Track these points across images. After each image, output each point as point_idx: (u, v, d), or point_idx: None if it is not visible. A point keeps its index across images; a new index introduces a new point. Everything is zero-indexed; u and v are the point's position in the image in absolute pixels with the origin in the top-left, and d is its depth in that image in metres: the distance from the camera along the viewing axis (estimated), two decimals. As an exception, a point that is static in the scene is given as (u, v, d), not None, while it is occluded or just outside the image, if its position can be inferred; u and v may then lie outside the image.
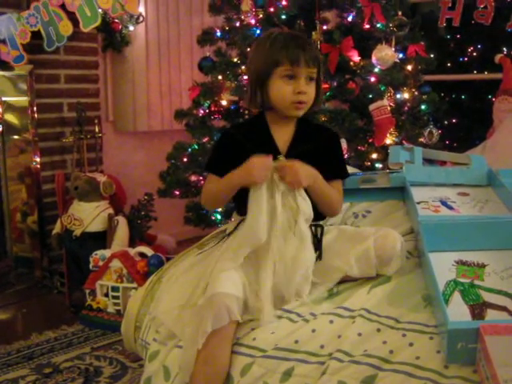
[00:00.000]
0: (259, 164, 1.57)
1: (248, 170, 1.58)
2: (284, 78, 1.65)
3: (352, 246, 1.64)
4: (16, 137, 3.52)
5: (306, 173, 1.60)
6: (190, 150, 3.37)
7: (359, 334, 1.42)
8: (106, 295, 2.95)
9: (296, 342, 1.45)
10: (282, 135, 1.73)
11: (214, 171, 1.75)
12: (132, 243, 3.28)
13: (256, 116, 1.82)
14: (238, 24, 3.27)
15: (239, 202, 1.70)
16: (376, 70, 3.08)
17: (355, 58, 3.09)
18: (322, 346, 1.43)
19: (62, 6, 3.19)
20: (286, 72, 1.65)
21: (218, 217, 3.25)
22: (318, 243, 1.68)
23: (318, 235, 1.71)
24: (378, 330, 1.42)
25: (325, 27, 3.25)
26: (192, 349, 1.48)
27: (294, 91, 1.65)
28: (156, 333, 1.67)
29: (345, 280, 1.64)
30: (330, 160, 1.76)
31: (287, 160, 1.63)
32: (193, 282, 1.68)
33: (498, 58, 3.58)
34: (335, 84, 3.11)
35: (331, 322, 1.48)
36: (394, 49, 3.07)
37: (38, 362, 2.54)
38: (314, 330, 1.47)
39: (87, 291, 2.99)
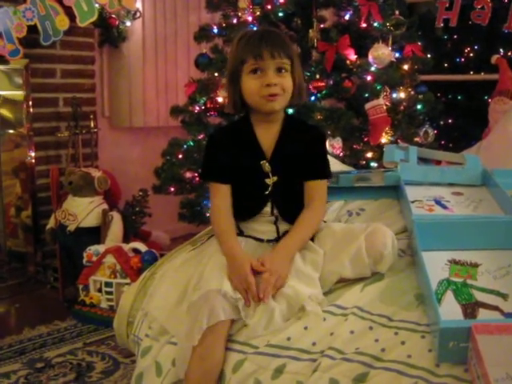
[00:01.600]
0: (236, 277, 1.54)
1: (232, 274, 1.55)
2: (250, 74, 1.64)
3: (344, 247, 1.61)
4: (11, 131, 3.51)
5: (282, 270, 1.55)
6: (185, 146, 3.37)
7: (351, 332, 1.42)
8: (100, 291, 2.94)
9: (288, 339, 1.45)
10: (267, 136, 1.71)
11: (211, 179, 1.73)
12: (126, 239, 3.27)
13: (241, 118, 1.80)
14: (235, 21, 3.27)
15: (235, 207, 1.71)
16: (372, 68, 3.09)
17: (352, 56, 3.10)
18: (313, 344, 1.43)
19: (59, 1, 3.18)
20: (251, 67, 1.63)
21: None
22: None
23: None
24: (371, 328, 1.42)
25: (322, 25, 3.26)
26: (187, 345, 1.48)
27: (262, 85, 1.63)
28: (148, 328, 1.67)
29: (339, 282, 1.62)
30: (314, 160, 1.73)
31: (263, 261, 1.56)
32: (186, 278, 1.68)
33: (494, 58, 3.58)
34: (331, 82, 3.12)
35: (324, 319, 1.48)
36: (390, 48, 3.08)
37: (30, 357, 2.53)
38: (306, 328, 1.47)
39: (80, 286, 2.99)
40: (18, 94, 3.43)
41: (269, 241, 1.71)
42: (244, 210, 1.71)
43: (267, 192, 1.69)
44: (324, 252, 1.63)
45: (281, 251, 1.60)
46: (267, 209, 1.70)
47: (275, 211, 1.70)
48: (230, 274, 1.55)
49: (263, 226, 1.71)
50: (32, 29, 3.20)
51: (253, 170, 1.69)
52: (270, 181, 1.69)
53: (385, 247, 1.57)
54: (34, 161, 3.48)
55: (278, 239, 1.69)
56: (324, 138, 1.82)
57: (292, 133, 1.73)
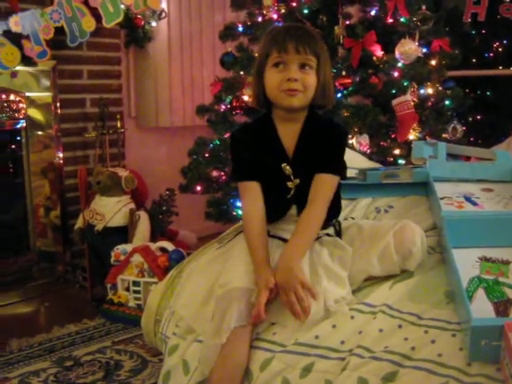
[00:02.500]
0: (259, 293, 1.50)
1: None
2: (274, 67, 1.61)
3: (372, 245, 1.58)
4: (40, 132, 3.55)
5: (295, 280, 1.48)
6: (211, 145, 3.37)
7: (380, 330, 1.40)
8: (127, 290, 2.96)
9: (316, 337, 1.44)
10: (289, 135, 1.68)
11: (240, 178, 1.70)
12: (153, 238, 3.29)
13: (263, 115, 1.76)
14: (260, 19, 3.26)
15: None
16: (399, 64, 3.06)
17: (378, 52, 3.08)
18: (342, 342, 1.41)
19: (85, 2, 3.20)
20: (275, 60, 1.60)
21: (239, 212, 3.24)
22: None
23: (337, 230, 1.70)
24: (400, 327, 1.40)
25: (348, 22, 3.24)
26: (213, 343, 1.48)
27: (283, 79, 1.59)
28: (176, 327, 1.67)
29: (368, 279, 1.60)
30: (328, 154, 1.66)
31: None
32: (213, 276, 1.66)
33: (524, 53, 3.52)
34: (358, 79, 3.10)
35: (352, 317, 1.46)
36: (417, 43, 3.05)
37: (59, 355, 2.55)
38: (334, 326, 1.45)
39: (108, 285, 3.01)
40: (46, 95, 3.47)
41: None
42: (269, 213, 1.67)
43: (289, 196, 1.66)
44: (352, 250, 1.60)
45: (288, 261, 1.53)
46: (292, 211, 1.68)
47: (300, 213, 1.65)
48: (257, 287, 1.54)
49: (290, 225, 1.68)
50: (59, 30, 3.22)
51: (274, 172, 1.66)
52: (291, 184, 1.66)
53: (414, 244, 1.55)
54: (62, 161, 3.52)
55: None
56: (345, 136, 1.78)
57: (314, 131, 1.68)
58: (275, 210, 1.68)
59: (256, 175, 1.67)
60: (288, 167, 1.65)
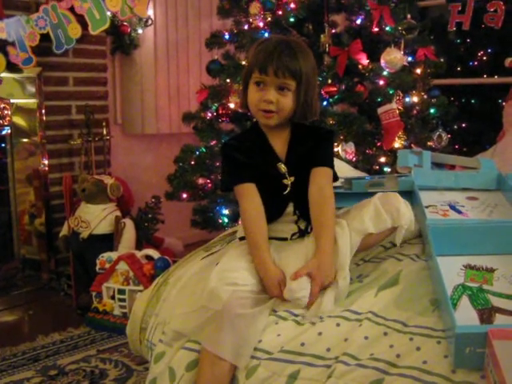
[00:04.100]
0: (271, 291, 1.59)
1: (267, 289, 1.61)
2: (255, 85, 1.68)
3: (361, 209, 1.68)
4: (25, 140, 3.53)
5: (327, 273, 1.57)
6: (197, 152, 3.37)
7: (366, 338, 1.40)
8: (113, 298, 2.94)
9: (302, 344, 1.44)
10: (279, 141, 1.75)
11: (236, 182, 1.72)
12: (139, 246, 3.28)
13: (252, 126, 1.84)
14: (246, 27, 3.28)
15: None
16: (385, 73, 3.08)
17: (364, 61, 3.09)
18: (328, 349, 1.41)
19: (71, 9, 3.20)
20: (256, 79, 1.67)
21: (226, 220, 3.25)
22: None
23: None
24: (385, 334, 1.40)
25: (333, 30, 3.25)
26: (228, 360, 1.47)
27: (261, 98, 1.66)
28: (162, 334, 1.66)
29: (367, 246, 1.69)
30: (318, 149, 1.73)
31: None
32: (202, 284, 1.67)
33: (508, 61, 3.55)
34: (343, 87, 3.11)
35: (338, 324, 1.46)
36: (402, 52, 3.07)
37: (43, 364, 2.53)
38: (320, 333, 1.45)
39: (93, 294, 2.99)
40: (31, 102, 3.46)
41: (293, 236, 1.73)
42: (268, 214, 1.70)
43: (286, 192, 1.71)
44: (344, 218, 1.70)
45: (322, 257, 1.59)
46: (289, 209, 1.72)
47: (297, 211, 1.72)
48: (266, 288, 1.60)
49: (285, 226, 1.73)
50: (45, 37, 3.22)
51: (270, 172, 1.72)
52: (287, 181, 1.71)
53: (399, 203, 1.66)
54: (47, 168, 3.50)
55: (300, 234, 1.72)
56: (331, 135, 1.84)
57: (302, 135, 1.75)
58: (273, 209, 1.72)
59: (252, 177, 1.71)
60: (283, 165, 1.71)
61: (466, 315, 1.36)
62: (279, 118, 1.69)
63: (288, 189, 1.71)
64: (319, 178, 1.69)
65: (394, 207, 1.64)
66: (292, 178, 1.71)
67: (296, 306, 1.54)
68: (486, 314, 1.37)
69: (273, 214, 1.72)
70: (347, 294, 1.58)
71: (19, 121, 3.50)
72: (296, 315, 1.52)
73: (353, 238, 1.63)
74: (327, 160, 1.74)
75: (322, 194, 1.67)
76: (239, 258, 1.65)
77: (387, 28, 3.10)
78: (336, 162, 1.81)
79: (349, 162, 2.85)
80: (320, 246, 1.60)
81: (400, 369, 1.30)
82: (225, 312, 1.46)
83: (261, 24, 3.17)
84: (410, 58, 3.23)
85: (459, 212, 1.86)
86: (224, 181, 1.83)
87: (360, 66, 3.10)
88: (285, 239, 1.73)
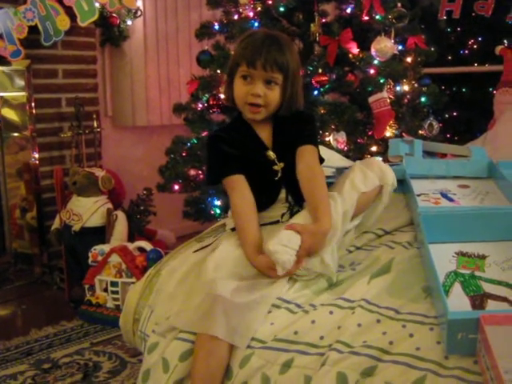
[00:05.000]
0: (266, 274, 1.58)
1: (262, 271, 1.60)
2: (242, 78, 1.69)
3: (347, 175, 1.75)
4: (15, 134, 3.51)
5: (319, 245, 1.58)
6: (189, 144, 3.36)
7: (359, 325, 1.40)
8: (105, 290, 2.94)
9: (295, 333, 1.44)
10: (264, 130, 1.77)
11: (224, 175, 1.72)
12: (131, 238, 3.27)
13: (236, 117, 1.84)
14: (236, 17, 3.26)
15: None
16: (375, 62, 3.07)
17: (354, 50, 3.09)
18: (321, 337, 1.41)
19: (59, 1, 3.18)
20: (243, 73, 1.68)
21: (218, 211, 3.24)
22: None
23: None
24: (378, 321, 1.40)
25: (324, 19, 3.24)
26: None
27: (248, 92, 1.67)
28: (155, 325, 1.66)
29: (360, 208, 1.72)
30: (302, 131, 1.75)
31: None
32: (194, 275, 1.68)
33: (498, 49, 3.56)
34: (334, 76, 3.10)
35: (331, 312, 1.47)
36: (393, 41, 3.06)
37: (37, 358, 2.53)
38: (313, 321, 1.45)
39: (86, 286, 2.98)
40: (21, 95, 3.44)
41: (283, 216, 1.74)
42: (260, 201, 1.71)
43: (277, 178, 1.72)
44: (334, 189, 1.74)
45: (319, 227, 1.58)
46: (282, 195, 1.73)
47: (289, 197, 1.73)
48: (251, 263, 1.60)
49: (278, 211, 1.74)
50: (33, 29, 3.20)
51: (260, 160, 1.73)
52: (277, 167, 1.72)
53: (380, 163, 1.78)
54: (37, 162, 3.48)
55: (291, 214, 1.73)
56: (312, 117, 1.88)
57: (285, 122, 1.76)
58: (266, 196, 1.73)
59: (241, 168, 1.71)
60: (271, 152, 1.73)
61: (458, 302, 1.36)
62: (267, 111, 1.71)
63: (279, 174, 1.72)
64: (306, 156, 1.71)
65: (378, 167, 1.75)
66: (282, 164, 1.72)
67: (282, 268, 1.52)
68: (478, 300, 1.38)
69: (266, 201, 1.73)
70: (340, 282, 1.58)
71: (9, 114, 3.48)
72: (289, 303, 1.52)
73: (347, 200, 1.66)
74: (311, 139, 1.76)
75: (311, 170, 1.68)
76: (233, 248, 1.65)
77: (377, 17, 3.09)
78: (327, 151, 1.83)
79: (340, 151, 2.85)
80: (318, 217, 1.59)
81: (393, 355, 1.30)
82: (222, 301, 1.46)
83: (251, 14, 3.16)
84: (400, 47, 3.23)
85: (451, 200, 1.87)
86: (211, 174, 1.83)
87: (350, 55, 3.10)
88: (277, 222, 1.73)
